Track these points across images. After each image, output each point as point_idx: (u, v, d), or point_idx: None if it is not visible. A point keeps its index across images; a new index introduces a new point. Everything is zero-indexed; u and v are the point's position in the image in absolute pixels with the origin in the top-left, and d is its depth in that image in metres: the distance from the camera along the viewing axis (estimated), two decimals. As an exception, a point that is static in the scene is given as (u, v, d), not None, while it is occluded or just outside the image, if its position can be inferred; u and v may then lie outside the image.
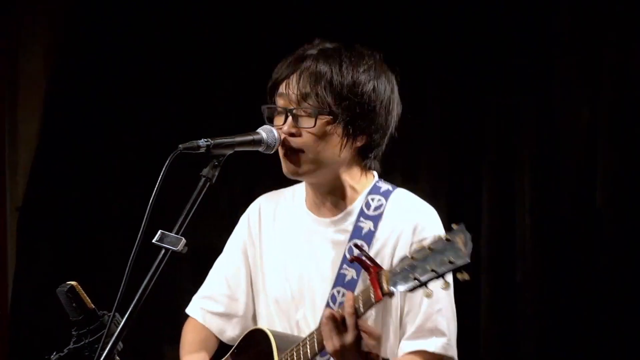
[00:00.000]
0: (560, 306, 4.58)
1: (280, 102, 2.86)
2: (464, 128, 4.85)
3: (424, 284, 2.46)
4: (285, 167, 2.87)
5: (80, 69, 5.95)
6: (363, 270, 2.70)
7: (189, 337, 3.13)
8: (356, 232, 2.87)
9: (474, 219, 4.72)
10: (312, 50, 2.86)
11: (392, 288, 2.52)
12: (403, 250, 2.79)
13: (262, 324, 3.00)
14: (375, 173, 2.98)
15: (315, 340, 2.74)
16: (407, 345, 2.84)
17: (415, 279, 2.46)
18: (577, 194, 4.56)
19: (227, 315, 3.07)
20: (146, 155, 5.58)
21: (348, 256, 2.84)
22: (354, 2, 5.13)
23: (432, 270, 2.43)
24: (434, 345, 2.82)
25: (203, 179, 2.62)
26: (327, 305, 2.85)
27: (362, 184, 2.94)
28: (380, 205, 2.89)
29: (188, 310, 3.13)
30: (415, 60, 4.88)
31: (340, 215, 2.92)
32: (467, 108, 4.84)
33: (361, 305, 2.62)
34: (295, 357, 2.78)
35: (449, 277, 2.44)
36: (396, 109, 2.91)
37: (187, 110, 5.63)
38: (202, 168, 2.64)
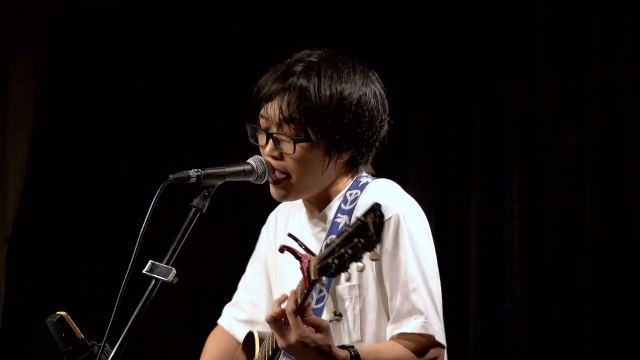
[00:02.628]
0: (549, 333, 4.58)
1: (262, 122, 2.85)
2: (450, 152, 4.87)
3: (342, 268, 2.42)
4: (273, 191, 2.89)
5: (68, 97, 5.96)
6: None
7: (209, 345, 3.20)
8: (333, 227, 2.86)
9: (462, 244, 4.74)
10: (297, 67, 2.83)
11: (318, 276, 2.50)
12: None
13: None
14: (362, 172, 2.96)
15: (271, 339, 2.79)
16: (390, 330, 2.81)
17: (334, 263, 2.42)
18: (565, 215, 4.56)
19: (250, 322, 3.13)
20: (136, 184, 5.58)
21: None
22: (336, 6, 5.16)
23: (347, 253, 2.39)
24: (412, 326, 2.77)
25: (193, 209, 2.62)
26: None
27: (346, 184, 2.93)
28: (355, 198, 2.88)
29: (220, 320, 3.21)
30: (403, 75, 4.91)
31: (321, 214, 2.93)
32: (452, 133, 4.85)
33: (299, 297, 2.60)
34: (263, 353, 2.86)
35: (365, 259, 2.39)
36: (382, 118, 2.88)
37: (177, 139, 5.64)
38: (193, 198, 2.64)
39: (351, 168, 2.92)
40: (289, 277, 2.94)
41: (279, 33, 5.19)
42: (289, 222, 3.05)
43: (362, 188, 2.90)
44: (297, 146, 2.79)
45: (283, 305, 2.63)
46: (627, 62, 4.43)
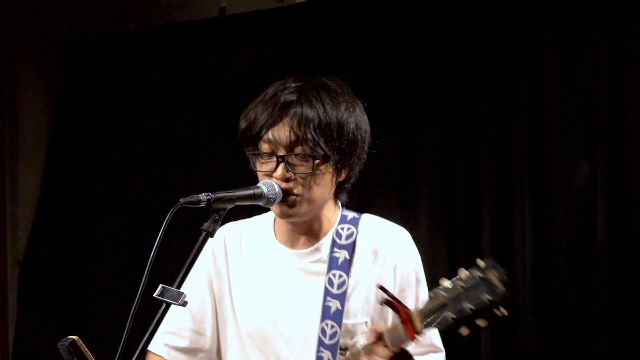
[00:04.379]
0: (562, 358, 4.57)
1: (265, 147, 2.84)
2: (460, 176, 4.87)
3: (460, 322, 2.45)
4: (281, 210, 2.85)
5: (79, 123, 6.00)
6: (347, 299, 2.79)
7: None
8: (333, 262, 2.87)
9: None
10: (291, 95, 2.83)
11: (425, 328, 2.52)
12: (385, 278, 2.83)
13: (237, 359, 2.96)
14: (339, 202, 2.99)
15: None
16: None
17: (452, 318, 2.45)
18: (577, 241, 4.56)
19: (192, 350, 3.00)
20: (146, 208, 5.60)
21: (329, 288, 2.84)
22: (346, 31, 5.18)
23: (469, 309, 2.42)
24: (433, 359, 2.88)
25: (204, 233, 2.62)
26: (319, 339, 2.83)
27: (335, 215, 2.95)
28: (351, 234, 2.90)
29: (151, 347, 2.97)
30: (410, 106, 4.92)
31: (314, 247, 2.91)
32: (464, 157, 4.85)
33: (389, 344, 2.61)
34: None
35: (487, 314, 2.43)
36: (369, 138, 2.92)
37: (189, 163, 5.66)
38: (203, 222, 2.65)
39: (338, 193, 2.94)
40: (260, 303, 2.92)
41: (295, 61, 5.21)
42: (243, 249, 3.00)
43: (353, 223, 2.93)
44: (314, 163, 2.80)
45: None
46: (638, 88, 4.44)
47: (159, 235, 2.53)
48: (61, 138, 6.06)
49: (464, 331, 2.46)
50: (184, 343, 3.00)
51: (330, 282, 2.85)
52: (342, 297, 2.80)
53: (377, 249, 2.89)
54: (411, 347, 2.77)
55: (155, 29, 5.84)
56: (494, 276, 2.41)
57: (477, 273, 2.43)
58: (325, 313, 2.84)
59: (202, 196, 2.62)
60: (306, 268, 2.91)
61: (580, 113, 4.57)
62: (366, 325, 2.84)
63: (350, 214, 2.96)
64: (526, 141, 4.68)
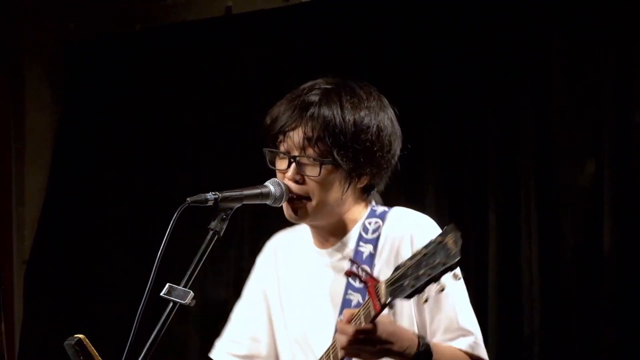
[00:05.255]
0: (567, 353, 4.56)
1: (282, 146, 2.85)
2: (466, 179, 4.86)
3: (418, 290, 2.41)
4: (288, 212, 2.86)
5: (85, 123, 6.00)
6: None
7: None
8: (357, 256, 2.86)
9: (480, 271, 4.72)
10: (314, 96, 2.83)
11: (390, 298, 2.48)
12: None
13: None
14: (373, 201, 2.97)
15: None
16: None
17: (410, 285, 2.41)
18: (583, 242, 4.55)
19: (250, 357, 3.05)
20: (153, 207, 5.60)
21: (352, 282, 2.83)
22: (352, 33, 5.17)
23: (425, 274, 2.39)
24: (463, 343, 2.81)
25: (211, 232, 2.62)
26: (335, 332, 2.79)
27: (361, 213, 2.93)
28: (377, 227, 2.89)
29: (213, 355, 3.09)
30: (414, 106, 4.91)
31: (339, 244, 2.91)
32: (470, 159, 4.85)
33: (362, 320, 2.59)
34: None
35: (445, 279, 2.40)
36: (398, 142, 2.91)
37: (194, 162, 5.66)
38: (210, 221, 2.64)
39: (366, 195, 2.93)
40: (302, 307, 2.94)
41: (300, 61, 5.21)
42: (292, 251, 3.02)
43: (381, 217, 2.91)
44: (322, 168, 2.79)
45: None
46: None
47: (166, 234, 2.53)
48: (67, 138, 6.06)
49: (422, 299, 2.44)
50: (243, 350, 3.06)
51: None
52: (363, 291, 2.77)
53: (398, 238, 2.86)
54: (440, 334, 2.79)
55: (160, 28, 5.84)
56: (450, 239, 2.37)
57: (438, 239, 2.40)
58: (345, 306, 2.83)
59: (210, 195, 2.62)
60: (334, 265, 2.91)
61: (586, 114, 4.55)
62: (392, 316, 2.80)
63: (380, 209, 2.94)
64: (532, 142, 4.67)
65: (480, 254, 4.72)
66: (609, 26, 4.50)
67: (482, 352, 2.84)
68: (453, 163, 4.89)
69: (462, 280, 2.79)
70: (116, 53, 5.94)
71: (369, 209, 2.94)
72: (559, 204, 4.60)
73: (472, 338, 2.82)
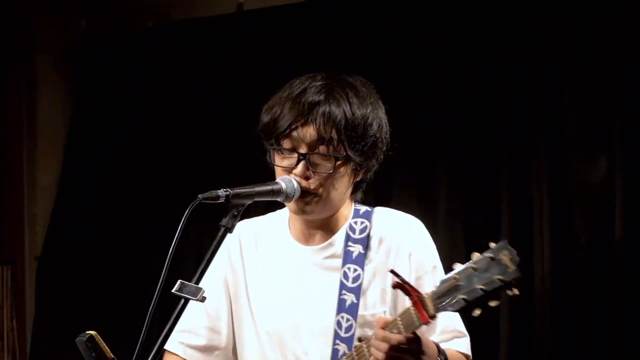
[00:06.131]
0: (580, 357, 4.55)
1: (287, 143, 2.83)
2: (478, 176, 4.85)
3: (472, 304, 2.44)
4: (297, 208, 2.85)
5: (98, 119, 6.01)
6: (362, 293, 2.79)
7: None
8: (347, 256, 2.87)
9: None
10: (318, 94, 2.82)
11: (438, 311, 2.51)
12: (401, 268, 2.80)
13: (254, 357, 2.95)
14: (353, 198, 2.98)
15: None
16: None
17: (463, 299, 2.44)
18: (595, 239, 4.54)
19: (208, 348, 3.00)
20: (165, 204, 5.61)
21: (345, 281, 2.84)
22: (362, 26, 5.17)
23: (480, 289, 2.41)
24: (460, 345, 2.86)
25: (222, 229, 2.62)
26: (335, 332, 2.83)
27: (348, 210, 2.94)
28: (365, 228, 2.90)
29: (167, 346, 2.95)
30: (425, 103, 4.91)
31: (328, 242, 2.91)
32: (482, 155, 4.84)
33: (402, 330, 2.59)
34: None
35: (499, 295, 2.42)
36: (388, 139, 2.92)
37: (205, 159, 5.66)
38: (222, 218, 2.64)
39: (354, 191, 2.94)
40: (278, 302, 2.91)
41: (313, 57, 5.20)
42: (258, 247, 3.00)
43: (366, 217, 2.93)
44: (335, 164, 2.80)
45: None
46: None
47: (178, 230, 2.53)
48: (78, 135, 6.07)
49: (476, 312, 2.44)
50: (200, 341, 3.00)
51: (346, 275, 2.85)
52: (357, 291, 2.81)
53: (391, 240, 2.88)
54: (436, 335, 2.83)
55: (172, 25, 5.84)
56: (505, 256, 2.39)
57: (489, 254, 2.42)
58: (341, 306, 2.84)
59: (221, 192, 2.61)
60: (321, 263, 2.91)
61: (598, 111, 4.54)
62: (385, 315, 2.83)
63: (363, 208, 2.96)
64: (544, 139, 4.66)
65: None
66: (621, 22, 4.49)
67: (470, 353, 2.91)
68: (465, 160, 4.88)
69: None
70: (128, 50, 5.95)
71: (352, 208, 2.95)
72: (571, 201, 4.59)
73: (467, 339, 2.89)
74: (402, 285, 2.59)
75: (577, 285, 4.56)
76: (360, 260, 2.87)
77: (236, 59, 5.56)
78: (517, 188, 4.73)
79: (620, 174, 4.47)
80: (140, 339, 2.49)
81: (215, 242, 2.61)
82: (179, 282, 2.53)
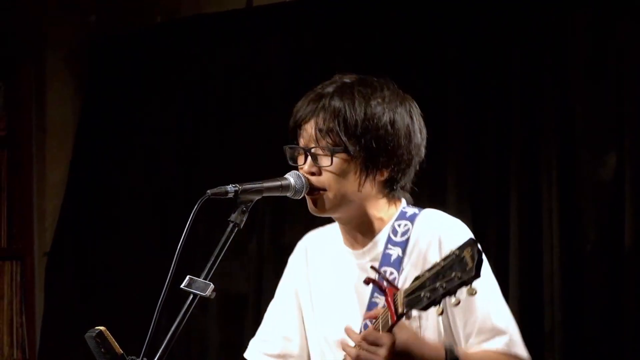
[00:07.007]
0: (589, 354, 4.53)
1: (301, 141, 2.87)
2: (487, 172, 4.83)
3: (434, 302, 2.41)
4: (309, 205, 2.87)
5: (107, 116, 6.01)
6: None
7: None
8: (385, 259, 2.86)
9: (502, 267, 4.69)
10: (328, 89, 2.84)
11: (406, 309, 2.49)
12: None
13: None
14: (404, 200, 2.96)
15: None
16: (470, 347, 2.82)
17: (426, 297, 2.41)
18: (605, 235, 4.52)
19: (283, 356, 3.07)
20: (173, 200, 5.61)
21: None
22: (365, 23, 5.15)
23: (441, 287, 2.38)
24: (498, 343, 2.79)
25: (231, 225, 2.62)
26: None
27: (389, 213, 2.92)
28: (407, 230, 2.88)
29: (247, 355, 3.11)
30: (438, 98, 4.89)
31: (369, 245, 2.90)
32: (491, 151, 4.82)
33: (380, 328, 2.60)
34: None
35: (459, 293, 2.38)
36: (418, 137, 2.89)
37: (215, 155, 5.65)
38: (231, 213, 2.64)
39: (389, 191, 2.91)
40: (332, 307, 2.95)
41: (323, 53, 5.19)
42: (323, 251, 3.03)
43: (411, 219, 2.90)
44: (335, 158, 2.79)
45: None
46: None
47: (187, 226, 2.53)
48: (88, 131, 6.07)
49: (438, 310, 2.42)
50: (276, 350, 3.07)
51: (379, 278, 2.84)
52: None
53: (428, 242, 2.85)
54: (474, 336, 2.78)
55: (181, 20, 5.84)
56: (467, 254, 2.35)
57: (456, 251, 2.39)
58: (371, 309, 2.83)
59: (230, 187, 2.62)
60: (362, 266, 2.91)
61: (608, 107, 4.52)
62: (418, 321, 2.81)
63: (411, 210, 2.93)
64: (553, 134, 4.64)
65: (501, 247, 4.70)
66: (632, 17, 4.47)
67: (519, 349, 2.83)
68: (475, 156, 4.86)
69: (493, 279, 2.81)
70: (137, 46, 5.94)
71: (399, 209, 2.93)
72: (581, 197, 4.57)
73: (507, 337, 2.81)
74: (374, 282, 2.59)
75: (586, 281, 4.54)
76: (397, 264, 2.85)
77: (246, 55, 5.55)
78: (526, 184, 4.70)
79: (631, 170, 4.45)
80: (149, 335, 2.50)
81: (224, 238, 2.62)
82: (187, 277, 2.54)
